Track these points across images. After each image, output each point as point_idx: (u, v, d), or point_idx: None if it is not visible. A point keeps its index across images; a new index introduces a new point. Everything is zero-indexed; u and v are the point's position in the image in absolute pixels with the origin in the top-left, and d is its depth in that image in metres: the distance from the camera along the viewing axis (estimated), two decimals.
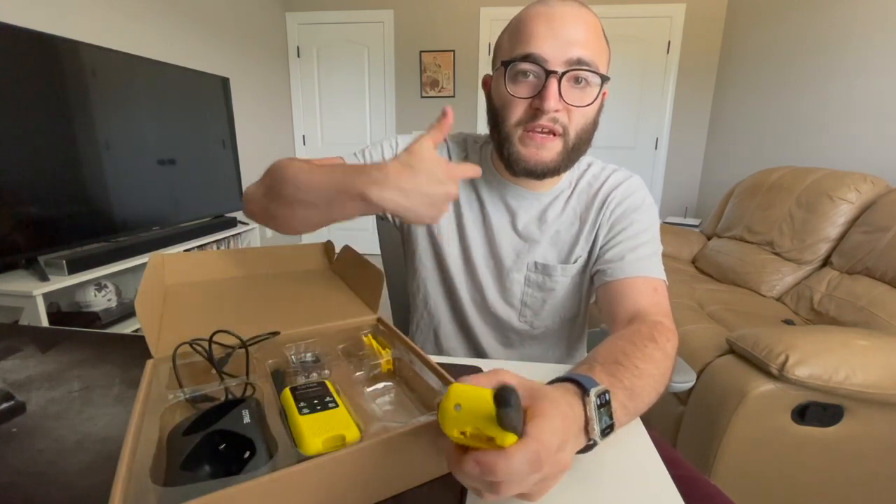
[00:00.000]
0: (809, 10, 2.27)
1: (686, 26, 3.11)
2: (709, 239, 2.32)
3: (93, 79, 1.66)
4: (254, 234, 2.63)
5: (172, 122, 2.07)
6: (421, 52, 3.38)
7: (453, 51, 3.35)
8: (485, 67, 3.35)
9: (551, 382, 0.39)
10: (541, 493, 0.31)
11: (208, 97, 2.31)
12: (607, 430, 0.38)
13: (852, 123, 2.00)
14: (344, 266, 0.75)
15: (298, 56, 3.50)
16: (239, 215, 2.55)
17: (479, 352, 0.79)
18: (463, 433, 0.29)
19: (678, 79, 3.19)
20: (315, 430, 0.35)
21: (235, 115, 2.53)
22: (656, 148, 3.34)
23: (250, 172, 2.97)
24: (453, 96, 3.43)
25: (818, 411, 1.00)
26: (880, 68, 1.86)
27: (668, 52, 3.16)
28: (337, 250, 0.80)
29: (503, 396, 0.26)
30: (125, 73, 1.81)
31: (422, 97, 3.46)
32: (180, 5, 2.41)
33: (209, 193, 2.35)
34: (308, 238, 3.85)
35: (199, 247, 2.14)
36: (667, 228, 2.45)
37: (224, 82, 2.41)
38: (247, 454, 0.34)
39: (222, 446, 0.36)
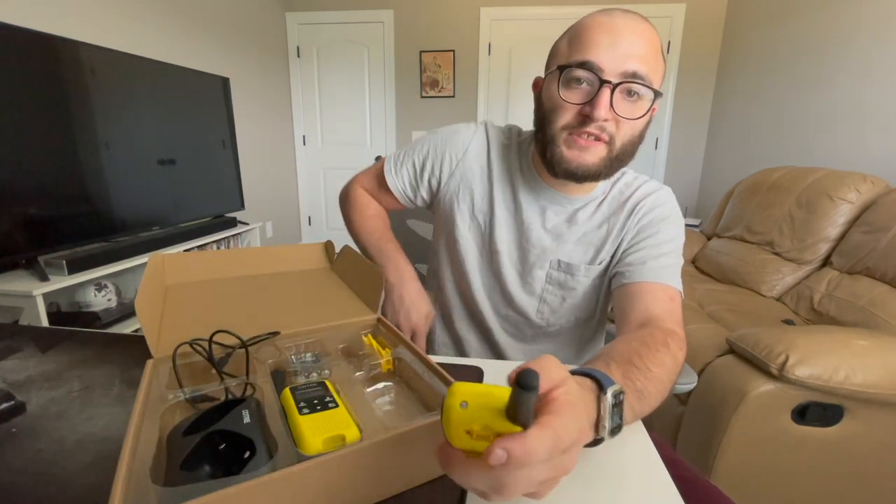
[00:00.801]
0: (809, 10, 2.27)
1: (686, 26, 3.11)
2: (709, 239, 2.32)
3: (93, 79, 1.66)
4: (254, 234, 2.63)
5: (172, 122, 2.07)
6: (421, 52, 3.38)
7: (453, 51, 3.35)
8: (485, 67, 3.35)
9: (570, 373, 0.39)
10: (545, 491, 0.31)
11: (208, 97, 2.31)
12: (616, 430, 0.38)
13: (853, 123, 2.00)
14: (344, 266, 0.75)
15: (298, 56, 3.50)
16: (239, 215, 2.55)
17: (491, 343, 0.80)
18: (469, 432, 0.28)
19: (678, 79, 3.19)
20: (315, 430, 0.35)
21: (235, 115, 2.53)
22: (656, 148, 3.34)
23: (250, 172, 2.97)
24: (453, 96, 3.43)
25: (818, 411, 1.00)
26: (880, 68, 1.86)
27: (668, 52, 3.16)
28: (337, 250, 0.80)
29: (527, 379, 0.25)
30: (125, 73, 1.80)
31: (422, 97, 3.46)
32: (180, 5, 2.41)
33: (209, 193, 2.35)
34: (308, 238, 3.85)
35: (199, 247, 2.14)
36: None
37: (224, 82, 2.41)
38: (247, 454, 0.34)
39: (222, 446, 0.36)
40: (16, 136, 1.42)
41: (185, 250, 2.02)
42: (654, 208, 0.70)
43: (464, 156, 0.77)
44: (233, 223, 2.46)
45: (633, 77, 0.57)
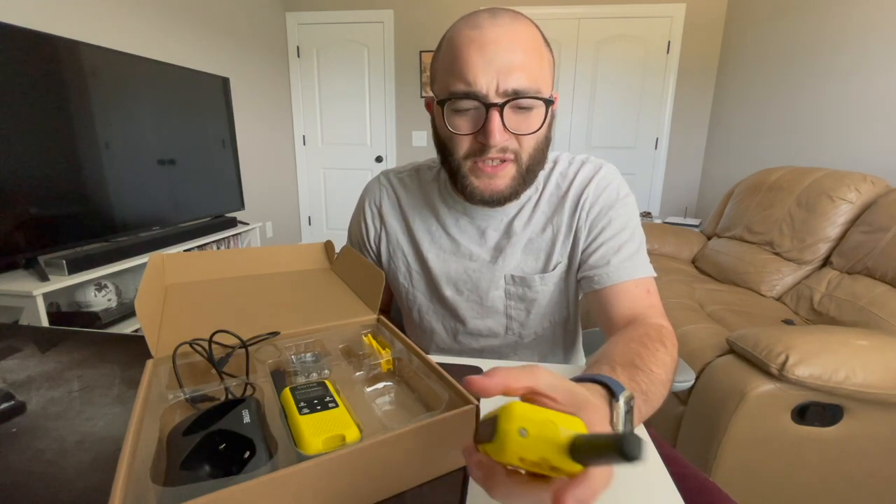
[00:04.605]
0: (809, 10, 2.27)
1: (686, 26, 3.11)
2: (709, 239, 2.32)
3: (93, 79, 1.66)
4: (254, 234, 2.63)
5: (172, 122, 2.07)
6: (421, 52, 3.38)
7: None
8: None
9: (577, 380, 0.39)
10: None
11: (208, 97, 2.31)
12: None
13: (852, 123, 2.00)
14: (344, 266, 0.75)
15: (298, 56, 3.50)
16: (239, 215, 2.55)
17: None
18: (521, 459, 0.25)
19: (678, 79, 3.19)
20: (315, 430, 0.35)
21: (235, 115, 2.53)
22: (656, 148, 3.34)
23: (250, 172, 2.97)
24: None
25: (818, 411, 1.00)
26: (880, 68, 1.86)
27: (668, 52, 3.16)
28: (337, 250, 0.80)
29: (633, 451, 0.21)
30: (125, 73, 1.80)
31: (422, 97, 3.46)
32: (180, 5, 2.41)
33: (209, 193, 2.35)
34: (308, 238, 3.85)
35: (199, 247, 2.14)
36: (667, 228, 2.45)
37: (224, 82, 2.40)
38: (247, 454, 0.34)
39: (222, 446, 0.36)
40: (16, 136, 1.42)
41: (185, 250, 2.02)
42: (598, 196, 0.67)
43: (382, 219, 0.77)
44: (233, 223, 2.46)
45: (517, 94, 0.53)
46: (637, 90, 3.24)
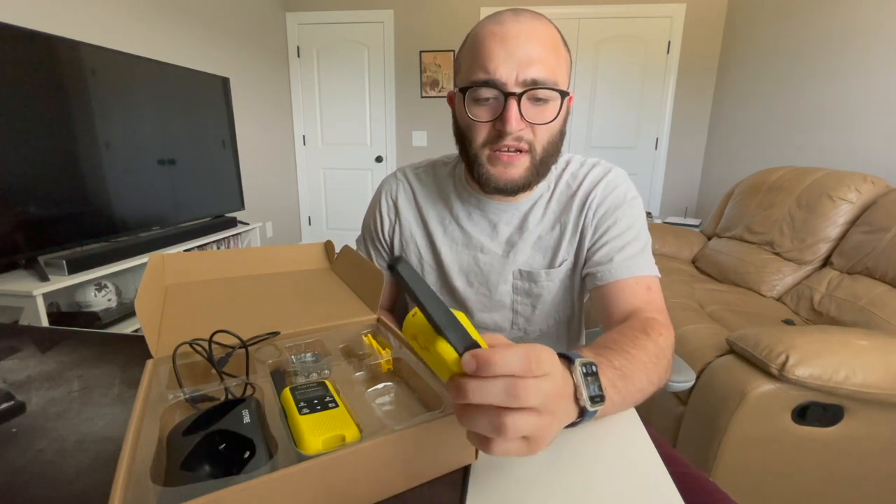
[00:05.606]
0: (810, 9, 2.27)
1: (686, 26, 3.11)
2: (709, 239, 2.32)
3: (93, 79, 1.66)
4: (254, 234, 2.63)
5: (172, 122, 2.07)
6: (421, 52, 3.38)
7: (453, 51, 3.35)
8: None
9: None
10: (538, 439, 0.31)
11: (208, 97, 2.31)
12: (597, 399, 0.38)
13: (852, 123, 2.00)
14: (344, 266, 0.75)
15: (298, 56, 3.50)
16: (239, 215, 2.55)
17: None
18: (415, 339, 0.33)
19: (678, 79, 3.19)
20: (315, 430, 0.35)
21: (235, 115, 2.53)
22: (656, 148, 3.34)
23: (250, 172, 2.97)
24: None
25: (818, 411, 1.00)
26: (880, 68, 1.86)
27: (668, 52, 3.16)
28: (337, 250, 0.80)
29: (392, 260, 0.28)
30: (125, 73, 1.80)
31: (422, 97, 3.46)
32: (180, 5, 2.41)
33: (209, 193, 2.35)
34: (308, 238, 3.85)
35: (199, 247, 2.14)
36: (667, 228, 2.45)
37: (224, 82, 2.40)
38: (247, 454, 0.34)
39: (222, 446, 0.36)
40: (16, 136, 1.41)
41: (185, 250, 2.02)
42: (605, 197, 0.69)
43: (397, 212, 0.78)
44: (233, 223, 2.46)
45: (535, 84, 0.56)
46: (637, 90, 3.23)
